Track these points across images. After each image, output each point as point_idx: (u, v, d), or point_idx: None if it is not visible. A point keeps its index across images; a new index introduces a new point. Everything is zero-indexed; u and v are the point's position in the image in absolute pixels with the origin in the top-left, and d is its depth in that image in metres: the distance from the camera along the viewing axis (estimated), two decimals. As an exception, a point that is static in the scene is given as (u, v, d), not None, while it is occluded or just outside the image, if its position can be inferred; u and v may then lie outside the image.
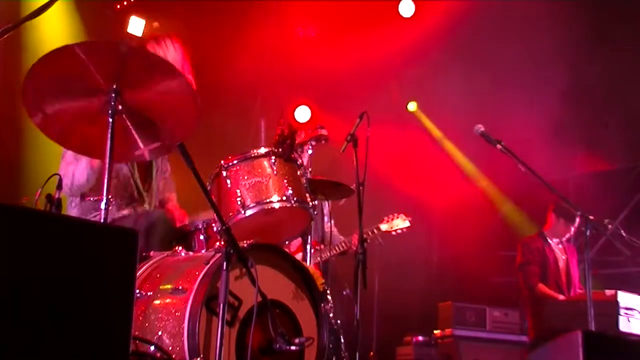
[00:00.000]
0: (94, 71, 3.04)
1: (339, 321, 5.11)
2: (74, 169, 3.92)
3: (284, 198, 3.66)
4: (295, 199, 3.69)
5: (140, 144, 3.31)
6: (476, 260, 8.59)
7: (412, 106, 9.50)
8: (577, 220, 6.42)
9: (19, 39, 6.49)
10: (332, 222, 5.73)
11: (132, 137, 3.28)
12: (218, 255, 3.32)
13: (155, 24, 7.86)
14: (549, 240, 6.59)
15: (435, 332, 7.55)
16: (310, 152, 4.92)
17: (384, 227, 6.04)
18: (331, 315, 4.75)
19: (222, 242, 3.44)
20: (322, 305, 3.64)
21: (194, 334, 3.14)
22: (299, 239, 5.10)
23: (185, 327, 3.17)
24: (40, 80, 3.03)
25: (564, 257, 6.57)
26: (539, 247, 6.53)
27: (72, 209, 4.04)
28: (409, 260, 8.91)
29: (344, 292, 6.89)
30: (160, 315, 3.30)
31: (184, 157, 3.20)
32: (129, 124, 3.23)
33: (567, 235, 6.59)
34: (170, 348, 3.20)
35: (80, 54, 2.97)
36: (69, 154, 3.96)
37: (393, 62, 9.03)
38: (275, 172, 3.69)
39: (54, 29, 6.71)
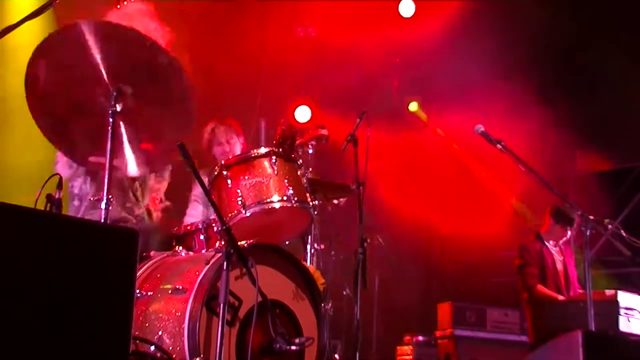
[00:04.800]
0: (98, 59, 3.06)
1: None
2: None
3: (285, 198, 3.66)
4: (295, 199, 3.68)
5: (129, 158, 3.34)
6: (476, 260, 8.60)
7: (413, 106, 9.50)
8: (575, 224, 6.41)
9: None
10: None
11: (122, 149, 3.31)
12: (218, 255, 3.32)
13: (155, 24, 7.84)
14: (546, 243, 6.59)
15: (435, 332, 7.55)
16: (311, 152, 4.92)
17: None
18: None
19: (223, 242, 3.44)
20: (322, 305, 3.64)
21: (194, 334, 3.14)
22: None
23: (185, 327, 3.17)
24: (43, 64, 3.05)
25: (561, 259, 6.57)
26: (536, 249, 6.52)
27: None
28: (409, 260, 8.91)
29: (344, 292, 6.90)
30: (160, 315, 3.30)
31: (184, 157, 3.20)
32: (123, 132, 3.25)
33: (564, 239, 6.59)
34: (170, 348, 3.20)
35: (86, 35, 2.99)
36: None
37: (393, 62, 9.04)
38: (275, 172, 3.69)
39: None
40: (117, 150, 3.34)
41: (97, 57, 3.09)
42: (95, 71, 3.12)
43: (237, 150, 4.79)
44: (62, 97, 3.19)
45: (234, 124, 4.95)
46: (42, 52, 3.06)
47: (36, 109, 3.19)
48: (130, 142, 3.34)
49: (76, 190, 4.03)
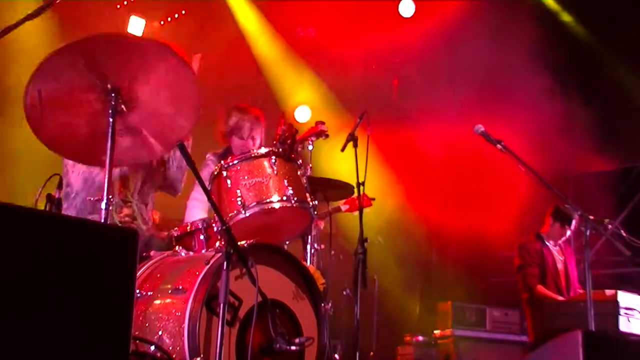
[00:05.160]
0: (87, 69, 3.05)
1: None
2: None
3: (284, 198, 3.66)
4: (295, 199, 3.68)
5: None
6: (476, 260, 8.59)
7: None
8: (574, 223, 6.43)
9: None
10: None
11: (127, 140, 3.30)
12: (218, 255, 3.32)
13: (156, 24, 7.86)
14: (547, 243, 6.59)
15: (435, 332, 7.55)
16: (311, 148, 4.91)
17: (344, 207, 5.86)
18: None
19: (222, 242, 3.44)
20: (322, 305, 3.64)
21: (194, 334, 3.14)
22: None
23: (185, 327, 3.17)
24: (41, 85, 3.04)
25: (561, 259, 6.57)
26: (537, 249, 6.53)
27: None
28: (409, 260, 8.91)
29: (344, 292, 6.90)
30: (160, 315, 3.30)
31: (184, 157, 3.20)
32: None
33: (563, 239, 6.60)
34: (170, 348, 3.20)
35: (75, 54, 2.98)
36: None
37: (393, 62, 9.04)
38: (275, 172, 3.69)
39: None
40: (140, 140, 3.33)
41: (95, 72, 3.08)
42: (95, 82, 3.11)
43: (257, 145, 4.76)
44: (63, 110, 3.18)
45: (261, 116, 4.86)
46: (36, 80, 3.03)
47: (40, 130, 3.17)
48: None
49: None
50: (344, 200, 5.83)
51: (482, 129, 4.53)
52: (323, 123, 4.90)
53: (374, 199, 5.87)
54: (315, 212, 3.88)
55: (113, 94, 3.12)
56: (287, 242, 4.23)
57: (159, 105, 3.25)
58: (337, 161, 5.58)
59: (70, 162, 4.01)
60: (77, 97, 3.13)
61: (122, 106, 3.14)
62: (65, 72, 3.03)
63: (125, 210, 4.10)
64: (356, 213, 5.84)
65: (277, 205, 3.65)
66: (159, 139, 3.34)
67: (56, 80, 3.04)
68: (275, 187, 3.67)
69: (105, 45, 3.06)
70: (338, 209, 5.79)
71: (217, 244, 3.58)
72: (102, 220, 3.09)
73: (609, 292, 5.62)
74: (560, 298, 6.28)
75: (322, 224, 5.61)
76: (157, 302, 3.36)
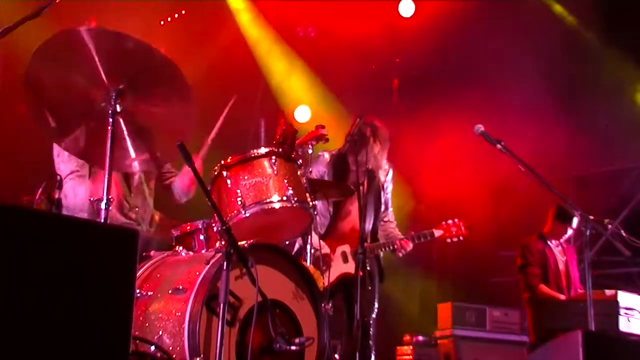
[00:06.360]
0: (98, 61, 3.05)
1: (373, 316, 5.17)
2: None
3: (285, 198, 3.66)
4: (295, 199, 3.68)
5: (132, 154, 3.34)
6: (476, 260, 8.59)
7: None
8: (575, 222, 6.43)
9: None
10: (391, 210, 5.55)
11: (125, 145, 3.31)
12: (218, 255, 3.32)
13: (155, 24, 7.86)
14: (549, 242, 6.59)
15: (435, 332, 7.55)
16: (310, 152, 4.92)
17: (437, 233, 5.61)
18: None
19: (223, 242, 3.44)
20: (322, 305, 3.64)
21: (194, 334, 3.14)
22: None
23: (185, 327, 3.17)
24: (42, 66, 3.04)
25: (563, 259, 6.57)
26: (539, 248, 6.53)
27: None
28: (409, 260, 8.91)
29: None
30: (160, 315, 3.31)
31: (184, 157, 3.20)
32: (124, 129, 3.25)
33: (565, 237, 6.60)
34: (170, 348, 3.20)
35: (87, 41, 2.99)
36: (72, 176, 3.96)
37: (393, 62, 9.04)
38: (275, 172, 3.69)
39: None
40: (124, 152, 3.35)
41: (96, 61, 3.08)
42: (95, 74, 3.11)
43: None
44: (62, 99, 3.18)
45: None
46: (40, 56, 3.05)
47: (37, 112, 3.18)
48: (131, 140, 3.34)
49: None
50: (439, 225, 5.60)
51: (482, 129, 4.53)
52: (323, 127, 4.90)
53: (469, 228, 5.60)
54: (315, 212, 3.87)
55: (114, 95, 3.13)
56: (287, 242, 4.23)
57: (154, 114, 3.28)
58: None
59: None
60: (78, 91, 3.15)
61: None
62: (66, 58, 3.04)
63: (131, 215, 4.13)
64: (450, 240, 5.57)
65: (277, 205, 3.65)
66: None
67: (53, 66, 3.05)
68: (275, 187, 3.67)
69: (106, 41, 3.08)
70: (432, 234, 5.56)
71: (217, 244, 3.58)
72: (102, 220, 3.09)
73: (609, 292, 5.62)
74: (562, 297, 6.28)
75: (410, 246, 5.36)
76: (157, 302, 3.36)
